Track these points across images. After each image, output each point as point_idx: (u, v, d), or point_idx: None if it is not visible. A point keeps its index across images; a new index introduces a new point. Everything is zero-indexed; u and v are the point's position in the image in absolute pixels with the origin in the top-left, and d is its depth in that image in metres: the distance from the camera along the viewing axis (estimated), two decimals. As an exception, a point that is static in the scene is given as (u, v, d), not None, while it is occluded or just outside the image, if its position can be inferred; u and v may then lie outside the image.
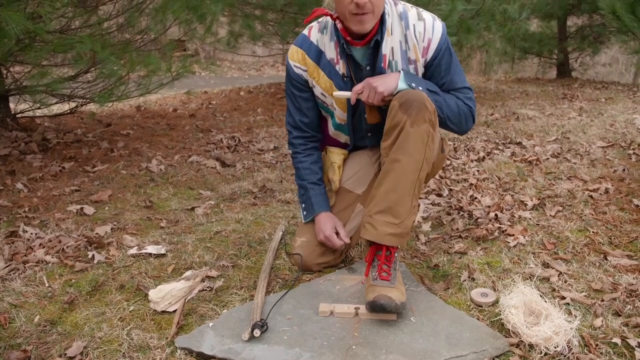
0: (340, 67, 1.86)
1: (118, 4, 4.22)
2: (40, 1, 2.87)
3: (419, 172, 1.68)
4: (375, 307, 1.61)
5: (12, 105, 4.22)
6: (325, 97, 1.94)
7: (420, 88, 1.73)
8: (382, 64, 1.80)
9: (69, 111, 4.46)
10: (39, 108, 4.15)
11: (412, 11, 1.81)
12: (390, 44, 1.79)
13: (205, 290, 1.87)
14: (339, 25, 1.78)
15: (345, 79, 1.87)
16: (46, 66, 4.08)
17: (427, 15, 1.81)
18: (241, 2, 6.09)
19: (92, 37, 3.41)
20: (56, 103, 4.24)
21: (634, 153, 3.53)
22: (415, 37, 1.79)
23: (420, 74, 1.84)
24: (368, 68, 1.82)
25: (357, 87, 1.77)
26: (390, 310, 1.60)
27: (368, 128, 1.97)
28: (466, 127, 1.89)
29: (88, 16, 4.00)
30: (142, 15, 4.22)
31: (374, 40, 1.77)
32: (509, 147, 3.83)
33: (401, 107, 1.66)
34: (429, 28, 1.79)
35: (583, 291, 1.81)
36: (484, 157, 3.55)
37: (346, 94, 1.83)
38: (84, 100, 4.16)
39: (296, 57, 1.92)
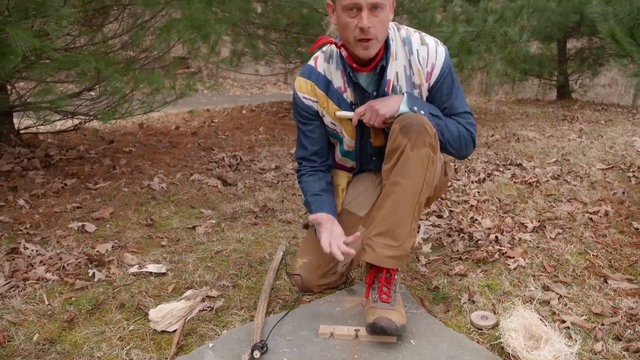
0: (348, 95, 1.87)
1: (123, 22, 4.27)
2: (47, 20, 2.90)
3: (418, 195, 1.69)
4: (376, 329, 1.61)
5: (15, 121, 4.24)
6: (335, 125, 1.94)
7: (423, 112, 1.75)
8: (386, 89, 1.82)
9: (72, 128, 4.48)
10: (42, 124, 4.17)
11: (415, 36, 1.83)
12: (395, 69, 1.81)
13: (206, 310, 1.87)
14: (344, 53, 1.80)
15: (353, 106, 1.87)
16: (50, 82, 4.12)
17: (429, 39, 1.83)
18: (244, 22, 6.16)
19: (96, 54, 3.45)
20: (59, 119, 4.27)
21: (633, 176, 3.54)
22: (419, 62, 1.80)
23: (424, 98, 1.86)
24: (375, 94, 1.84)
25: (360, 109, 1.78)
26: (390, 332, 1.60)
27: (373, 152, 1.98)
28: (466, 152, 1.91)
29: (93, 34, 4.04)
30: (147, 34, 4.26)
31: (379, 66, 1.79)
32: (509, 169, 3.84)
33: (401, 130, 1.67)
34: (432, 53, 1.81)
35: (583, 315, 1.81)
36: (484, 179, 3.56)
37: (349, 114, 1.85)
38: (88, 117, 4.19)
39: (305, 88, 1.92)
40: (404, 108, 1.74)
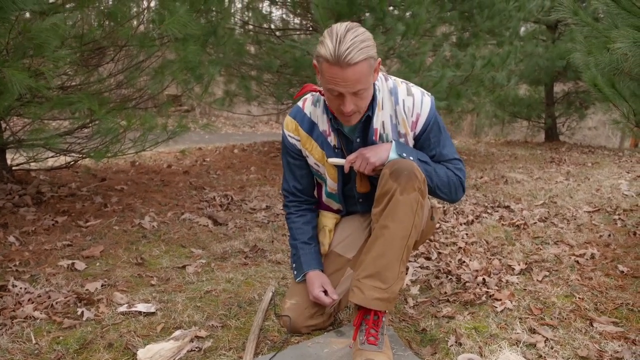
0: (332, 139, 1.93)
1: (119, 63, 4.34)
2: (44, 61, 2.96)
3: (407, 239, 1.72)
4: None
5: (8, 157, 4.26)
6: (319, 166, 2.00)
7: (411, 158, 1.80)
8: (374, 137, 1.87)
9: (64, 165, 4.51)
10: (34, 161, 4.20)
11: (402, 87, 1.89)
12: (381, 118, 1.86)
13: (194, 350, 1.86)
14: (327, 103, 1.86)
15: (336, 150, 1.94)
16: (44, 119, 4.16)
17: (416, 90, 1.89)
18: (238, 63, 6.27)
19: (90, 95, 3.49)
20: (52, 157, 4.29)
21: (619, 218, 3.59)
22: (405, 112, 1.86)
23: (410, 145, 1.91)
24: (358, 140, 1.89)
25: (351, 157, 1.83)
26: None
27: (359, 196, 2.03)
28: (456, 196, 1.95)
29: (89, 74, 4.11)
30: (142, 74, 4.34)
31: (365, 115, 1.84)
32: (497, 211, 3.89)
33: (392, 175, 1.72)
34: (418, 103, 1.86)
35: (569, 358, 1.83)
36: (472, 221, 3.60)
37: (341, 161, 1.90)
38: (80, 155, 4.22)
39: (290, 127, 2.00)
40: (393, 155, 1.80)
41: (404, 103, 1.86)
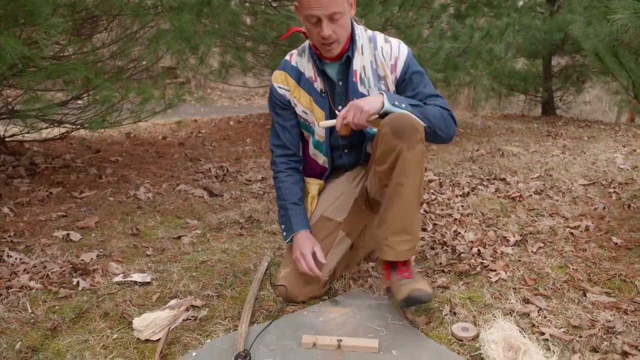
0: (318, 84, 2.01)
1: (112, 32, 4.28)
2: (36, 28, 2.91)
3: (419, 188, 1.83)
4: (412, 301, 1.75)
5: (1, 129, 4.23)
6: (307, 114, 2.06)
7: (403, 105, 1.84)
8: (354, 79, 1.95)
9: (59, 136, 4.47)
10: (28, 132, 4.16)
11: (380, 36, 2.01)
12: (362, 62, 1.96)
13: (190, 319, 1.88)
14: (311, 42, 1.96)
15: (323, 94, 2.01)
16: (38, 91, 4.11)
17: (393, 39, 2.01)
18: (233, 34, 6.19)
19: (86, 64, 3.45)
20: (46, 128, 4.26)
21: (614, 191, 3.60)
22: (383, 55, 1.97)
23: (390, 90, 1.98)
24: (341, 83, 1.99)
25: (342, 112, 1.83)
26: (426, 300, 1.76)
27: (344, 144, 2.09)
28: (452, 131, 1.98)
29: (82, 44, 4.05)
30: (136, 45, 4.28)
31: (345, 56, 1.93)
32: (493, 183, 3.89)
33: (394, 133, 1.75)
34: (395, 48, 1.98)
35: (562, 327, 1.84)
36: (468, 193, 3.60)
37: (332, 122, 1.89)
38: (75, 126, 4.19)
39: (279, 78, 2.07)
40: (387, 103, 1.82)
41: (382, 49, 1.98)
